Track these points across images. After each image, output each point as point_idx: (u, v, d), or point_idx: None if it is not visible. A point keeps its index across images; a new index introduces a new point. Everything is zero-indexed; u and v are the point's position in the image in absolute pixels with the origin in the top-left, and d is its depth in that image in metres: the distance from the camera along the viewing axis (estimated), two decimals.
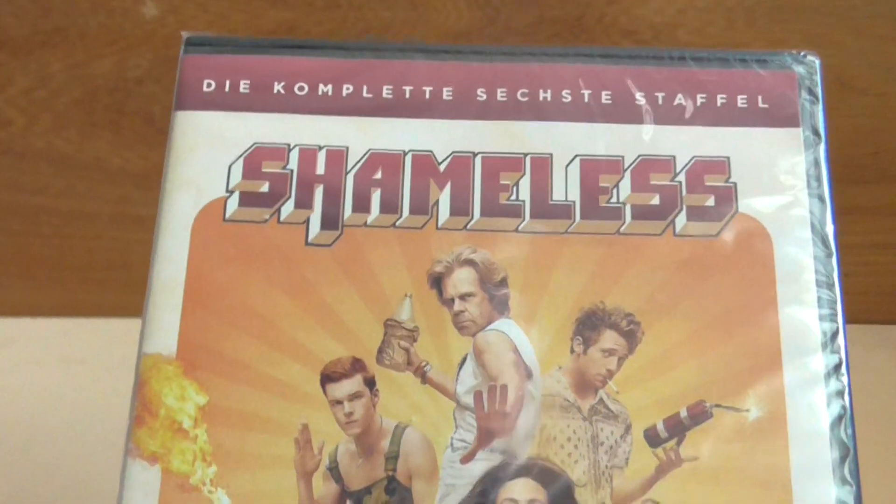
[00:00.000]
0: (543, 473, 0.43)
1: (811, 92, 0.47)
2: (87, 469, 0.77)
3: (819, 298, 0.44)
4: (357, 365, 0.44)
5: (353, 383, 0.44)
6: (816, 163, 0.46)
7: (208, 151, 0.46)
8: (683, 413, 0.43)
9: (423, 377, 0.44)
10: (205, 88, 0.47)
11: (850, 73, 0.70)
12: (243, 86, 0.47)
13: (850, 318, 0.44)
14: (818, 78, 0.47)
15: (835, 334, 0.44)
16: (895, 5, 0.69)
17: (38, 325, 0.91)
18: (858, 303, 0.64)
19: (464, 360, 0.44)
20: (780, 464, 0.42)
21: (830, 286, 0.45)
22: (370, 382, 0.44)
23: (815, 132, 0.47)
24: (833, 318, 0.44)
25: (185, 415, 0.43)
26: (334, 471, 0.43)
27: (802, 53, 0.48)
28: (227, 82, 0.47)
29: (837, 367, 0.43)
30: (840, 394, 0.43)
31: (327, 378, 0.44)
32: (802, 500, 0.42)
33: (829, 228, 0.45)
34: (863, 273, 0.76)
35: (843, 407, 0.43)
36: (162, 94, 0.83)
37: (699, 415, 0.43)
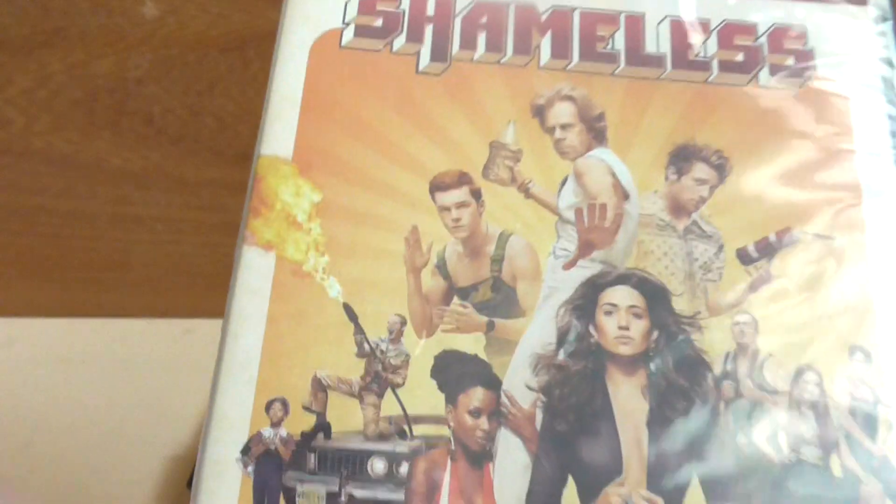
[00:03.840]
0: (642, 282, 0.45)
1: None
2: (86, 468, 0.76)
3: (893, 146, 0.48)
4: (464, 177, 0.46)
5: (461, 193, 0.46)
6: (884, 34, 0.50)
7: None
8: (772, 237, 0.46)
9: (527, 192, 0.46)
10: None
11: None
12: None
13: None
14: None
15: None
16: None
17: (38, 325, 0.89)
18: None
19: (565, 180, 0.46)
20: (862, 281, 0.45)
21: None
22: (476, 194, 0.46)
23: (882, 9, 0.51)
24: None
25: (300, 209, 0.45)
26: (442, 268, 0.45)
27: None
28: None
29: None
30: None
31: (436, 187, 0.46)
32: (883, 313, 0.44)
33: None
34: None
35: None
36: (162, 94, 0.83)
37: (787, 239, 0.46)
